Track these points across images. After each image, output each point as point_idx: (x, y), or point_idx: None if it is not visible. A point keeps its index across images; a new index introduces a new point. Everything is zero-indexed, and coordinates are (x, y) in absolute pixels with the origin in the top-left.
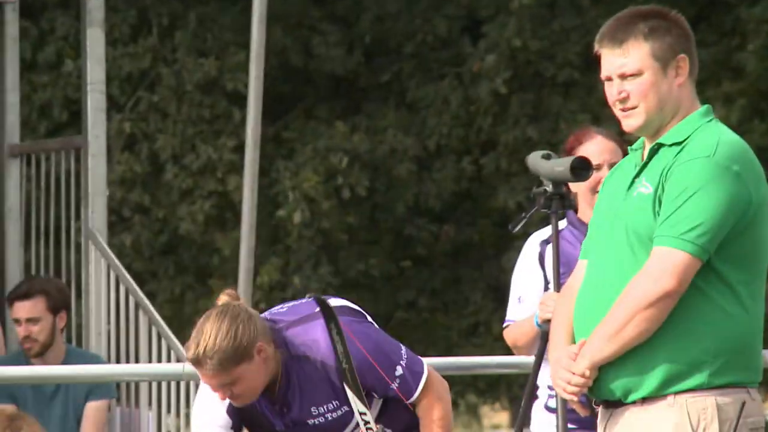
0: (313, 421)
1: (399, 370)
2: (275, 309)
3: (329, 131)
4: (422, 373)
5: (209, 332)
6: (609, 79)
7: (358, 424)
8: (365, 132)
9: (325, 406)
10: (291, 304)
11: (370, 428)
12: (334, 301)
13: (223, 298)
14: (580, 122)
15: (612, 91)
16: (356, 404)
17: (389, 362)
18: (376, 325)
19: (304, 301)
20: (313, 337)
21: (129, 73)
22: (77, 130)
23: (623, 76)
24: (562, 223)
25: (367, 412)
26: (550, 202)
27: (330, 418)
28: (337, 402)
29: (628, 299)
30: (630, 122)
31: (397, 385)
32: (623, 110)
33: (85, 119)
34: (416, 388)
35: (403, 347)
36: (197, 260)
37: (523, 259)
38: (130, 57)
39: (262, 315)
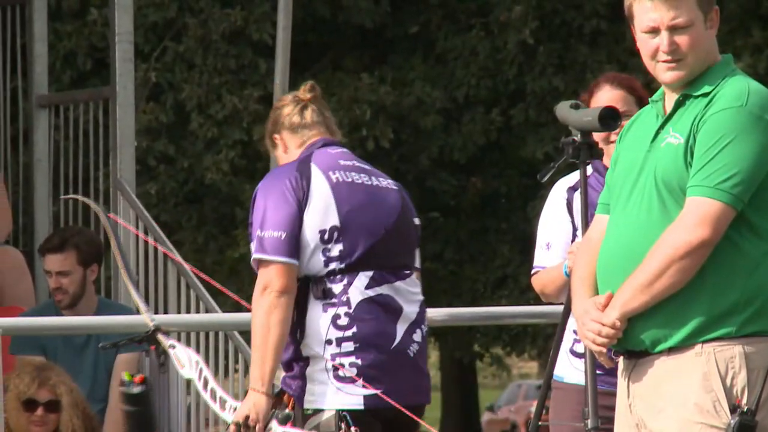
0: None
1: (259, 233)
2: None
3: (355, 83)
4: (265, 254)
5: None
6: (654, 30)
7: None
8: (391, 84)
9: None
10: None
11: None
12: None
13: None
14: (607, 72)
15: (661, 43)
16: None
17: (257, 223)
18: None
19: None
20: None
21: (155, 22)
22: (101, 79)
23: (674, 28)
24: (588, 170)
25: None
26: (579, 152)
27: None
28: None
29: (662, 249)
30: (673, 74)
31: (254, 239)
32: (669, 62)
33: (113, 70)
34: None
35: (283, 233)
36: (219, 210)
37: (550, 205)
38: (156, 6)
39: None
